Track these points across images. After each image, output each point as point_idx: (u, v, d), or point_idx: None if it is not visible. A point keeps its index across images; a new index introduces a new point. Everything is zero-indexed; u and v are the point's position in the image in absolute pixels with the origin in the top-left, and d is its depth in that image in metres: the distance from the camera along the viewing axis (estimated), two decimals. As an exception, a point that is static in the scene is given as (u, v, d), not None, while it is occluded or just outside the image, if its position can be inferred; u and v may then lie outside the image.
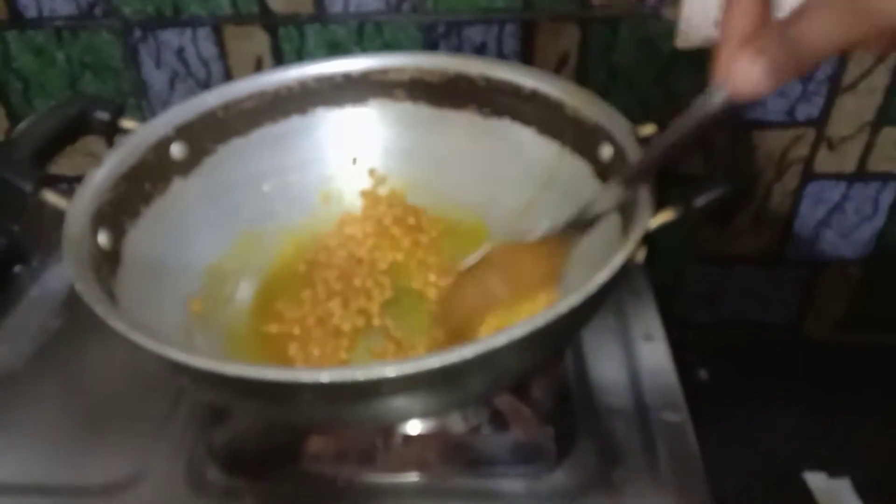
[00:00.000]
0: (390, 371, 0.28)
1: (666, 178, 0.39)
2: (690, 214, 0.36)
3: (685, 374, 0.48)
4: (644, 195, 0.37)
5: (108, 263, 0.40)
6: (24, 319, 0.55)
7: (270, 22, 0.59)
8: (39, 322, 0.55)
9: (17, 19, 0.59)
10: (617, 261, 0.33)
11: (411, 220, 0.53)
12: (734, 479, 0.62)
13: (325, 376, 0.28)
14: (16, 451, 0.45)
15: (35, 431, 0.46)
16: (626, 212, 0.40)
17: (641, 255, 0.36)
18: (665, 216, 0.36)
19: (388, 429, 0.42)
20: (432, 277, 0.49)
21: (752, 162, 0.37)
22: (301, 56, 0.60)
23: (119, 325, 0.32)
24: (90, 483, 0.43)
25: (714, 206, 0.36)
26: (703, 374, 0.71)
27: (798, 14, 0.23)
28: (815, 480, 0.59)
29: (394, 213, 0.53)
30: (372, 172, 0.54)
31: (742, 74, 0.25)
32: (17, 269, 0.60)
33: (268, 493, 0.42)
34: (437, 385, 0.31)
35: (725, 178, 0.36)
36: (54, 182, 0.41)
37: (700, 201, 0.36)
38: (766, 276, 0.72)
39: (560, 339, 0.38)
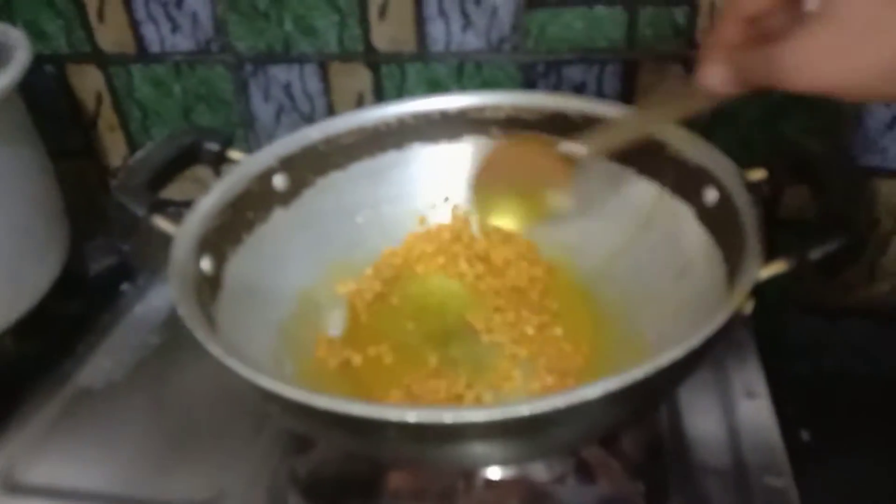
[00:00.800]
0: (478, 416, 0.28)
1: (774, 222, 0.37)
2: (804, 266, 0.33)
3: (785, 434, 0.44)
4: (752, 245, 0.35)
5: (209, 288, 0.41)
6: (128, 335, 0.58)
7: (374, 60, 0.60)
8: (141, 338, 0.57)
9: (142, 54, 0.64)
10: (723, 314, 0.32)
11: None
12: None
13: (411, 416, 0.28)
14: (110, 461, 0.47)
15: (129, 443, 0.48)
16: (733, 259, 0.38)
17: (749, 308, 0.34)
18: (776, 267, 0.34)
19: (470, 471, 0.41)
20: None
21: (871, 211, 0.35)
22: (401, 92, 0.61)
23: (216, 351, 0.33)
24: (175, 499, 0.44)
25: (829, 258, 0.33)
26: (805, 435, 0.66)
27: (754, 49, 0.29)
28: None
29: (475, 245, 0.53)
30: (456, 208, 0.54)
31: (715, 75, 0.31)
32: (125, 286, 0.63)
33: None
34: (525, 433, 0.30)
35: (842, 229, 0.34)
36: (164, 206, 0.44)
37: (815, 253, 0.33)
38: (879, 331, 0.66)
39: (657, 394, 0.36)
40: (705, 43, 0.32)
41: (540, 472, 0.41)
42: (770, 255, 0.35)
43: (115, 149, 0.70)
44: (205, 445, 0.47)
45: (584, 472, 0.41)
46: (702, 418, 0.44)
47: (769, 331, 0.68)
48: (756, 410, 0.45)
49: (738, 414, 0.45)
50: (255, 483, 0.44)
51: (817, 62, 0.26)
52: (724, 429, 0.44)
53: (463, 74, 0.60)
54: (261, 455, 0.46)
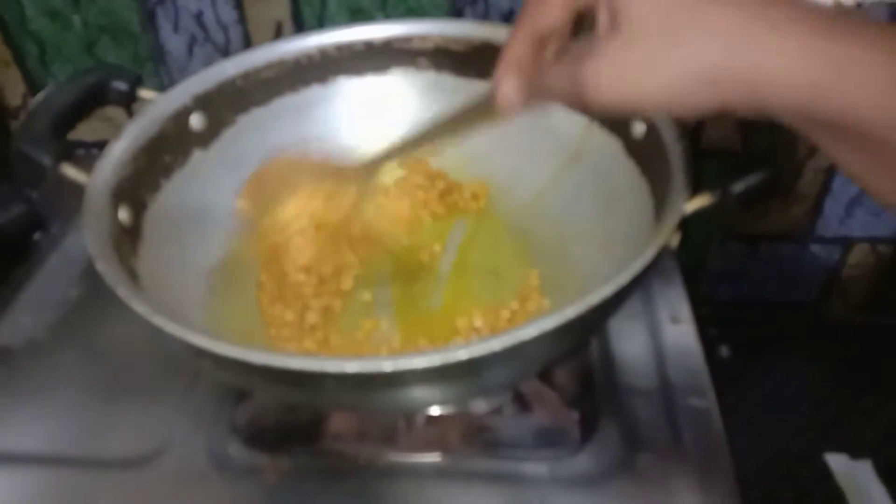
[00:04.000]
0: (417, 363, 0.28)
1: (697, 152, 0.38)
2: (728, 200, 0.34)
3: (706, 351, 0.47)
4: (678, 179, 0.36)
5: (128, 239, 0.39)
6: (45, 288, 0.55)
7: (291, -14, 0.57)
8: (60, 290, 0.54)
9: (31, -20, 0.58)
10: (651, 249, 0.32)
11: (440, 185, 0.52)
12: (753, 459, 0.61)
13: (351, 367, 0.28)
14: (39, 421, 0.45)
15: (57, 402, 0.46)
16: (659, 192, 0.38)
17: (675, 241, 0.35)
18: (701, 201, 0.35)
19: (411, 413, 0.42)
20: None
21: (792, 147, 0.36)
22: (322, 22, 0.58)
23: (142, 309, 0.31)
24: (112, 456, 0.43)
25: (753, 191, 0.34)
26: (724, 351, 0.70)
27: (550, 67, 0.29)
28: (837, 462, 0.58)
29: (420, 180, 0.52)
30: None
31: (505, 90, 0.30)
32: (37, 236, 0.59)
33: (289, 469, 0.42)
34: (465, 375, 0.31)
35: (764, 162, 0.35)
36: (73, 148, 0.41)
37: (738, 187, 0.34)
38: (793, 253, 0.70)
39: (590, 328, 0.37)
40: (499, 60, 0.30)
41: (478, 405, 0.42)
42: (695, 187, 0.36)
43: (12, 87, 0.65)
44: (139, 399, 0.46)
45: (521, 403, 0.43)
46: (630, 346, 0.46)
47: (692, 256, 0.71)
48: (681, 335, 0.47)
49: (663, 339, 0.46)
50: (195, 432, 0.43)
51: (616, 77, 0.26)
52: (651, 355, 0.46)
53: (387, 1, 0.57)
54: (198, 406, 0.45)
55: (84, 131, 0.53)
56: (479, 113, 0.34)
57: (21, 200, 0.61)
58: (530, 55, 0.29)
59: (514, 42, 0.29)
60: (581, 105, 0.27)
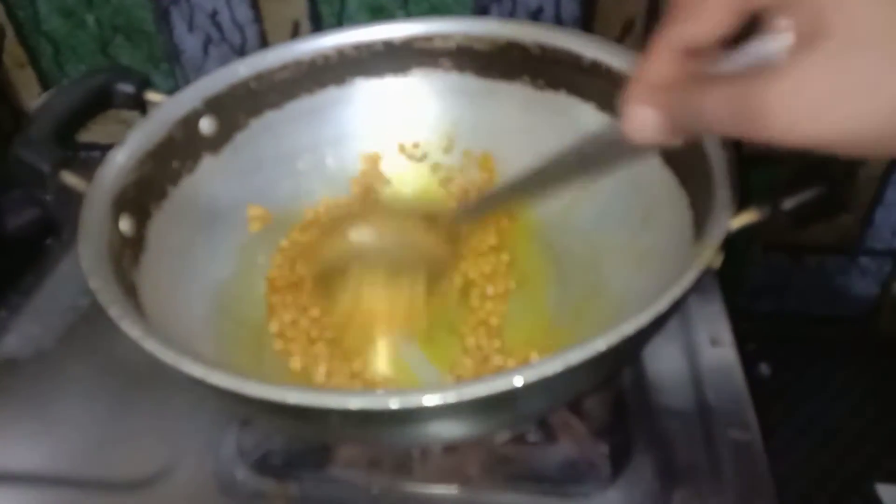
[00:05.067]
0: (429, 400, 0.25)
1: (738, 159, 0.35)
2: (778, 217, 0.31)
3: (745, 369, 0.43)
4: (722, 193, 0.33)
5: (130, 251, 0.37)
6: (55, 296, 0.54)
7: (309, -17, 0.55)
8: (69, 299, 0.53)
9: (44, -21, 0.57)
10: (693, 272, 0.29)
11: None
12: (796, 487, 0.58)
13: (354, 402, 0.25)
14: (44, 438, 0.44)
15: (61, 417, 0.45)
16: (700, 205, 0.35)
17: (718, 262, 0.31)
18: (748, 217, 0.31)
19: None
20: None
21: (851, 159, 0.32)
22: (341, 20, 0.56)
23: (134, 332, 0.29)
24: (115, 476, 0.41)
25: (806, 207, 0.31)
26: (764, 368, 0.66)
27: (703, 87, 0.22)
28: (888, 493, 0.54)
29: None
30: (415, 146, 0.50)
31: (640, 120, 0.25)
32: (49, 241, 0.58)
33: (299, 497, 0.39)
34: (482, 412, 0.28)
35: (819, 176, 0.31)
36: (88, 150, 0.39)
37: (790, 202, 0.31)
38: (840, 266, 0.66)
39: (623, 360, 0.34)
40: (632, 81, 0.25)
41: (499, 434, 0.40)
42: (740, 200, 0.32)
43: (27, 89, 0.64)
44: (145, 416, 0.44)
45: (545, 432, 0.40)
46: (666, 370, 0.43)
47: (732, 269, 0.67)
48: (721, 359, 0.43)
49: (702, 363, 0.43)
50: (202, 456, 0.41)
51: (817, 104, 0.19)
52: (688, 381, 0.42)
53: (409, -1, 0.55)
54: (206, 425, 0.43)
55: (99, 133, 0.51)
56: (599, 152, 0.29)
57: (34, 205, 0.60)
58: (675, 73, 0.23)
59: (654, 55, 0.24)
60: (751, 139, 0.21)
